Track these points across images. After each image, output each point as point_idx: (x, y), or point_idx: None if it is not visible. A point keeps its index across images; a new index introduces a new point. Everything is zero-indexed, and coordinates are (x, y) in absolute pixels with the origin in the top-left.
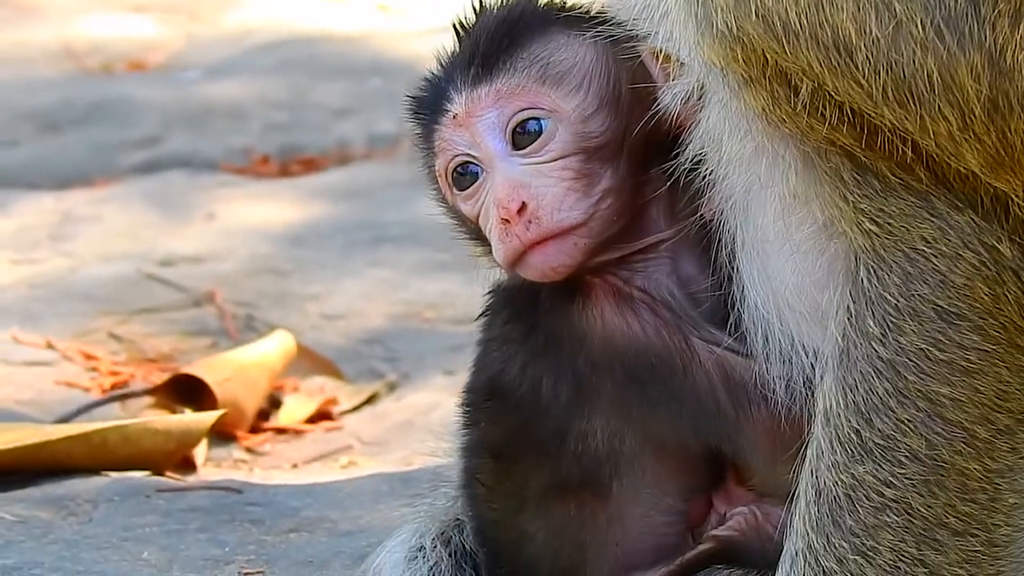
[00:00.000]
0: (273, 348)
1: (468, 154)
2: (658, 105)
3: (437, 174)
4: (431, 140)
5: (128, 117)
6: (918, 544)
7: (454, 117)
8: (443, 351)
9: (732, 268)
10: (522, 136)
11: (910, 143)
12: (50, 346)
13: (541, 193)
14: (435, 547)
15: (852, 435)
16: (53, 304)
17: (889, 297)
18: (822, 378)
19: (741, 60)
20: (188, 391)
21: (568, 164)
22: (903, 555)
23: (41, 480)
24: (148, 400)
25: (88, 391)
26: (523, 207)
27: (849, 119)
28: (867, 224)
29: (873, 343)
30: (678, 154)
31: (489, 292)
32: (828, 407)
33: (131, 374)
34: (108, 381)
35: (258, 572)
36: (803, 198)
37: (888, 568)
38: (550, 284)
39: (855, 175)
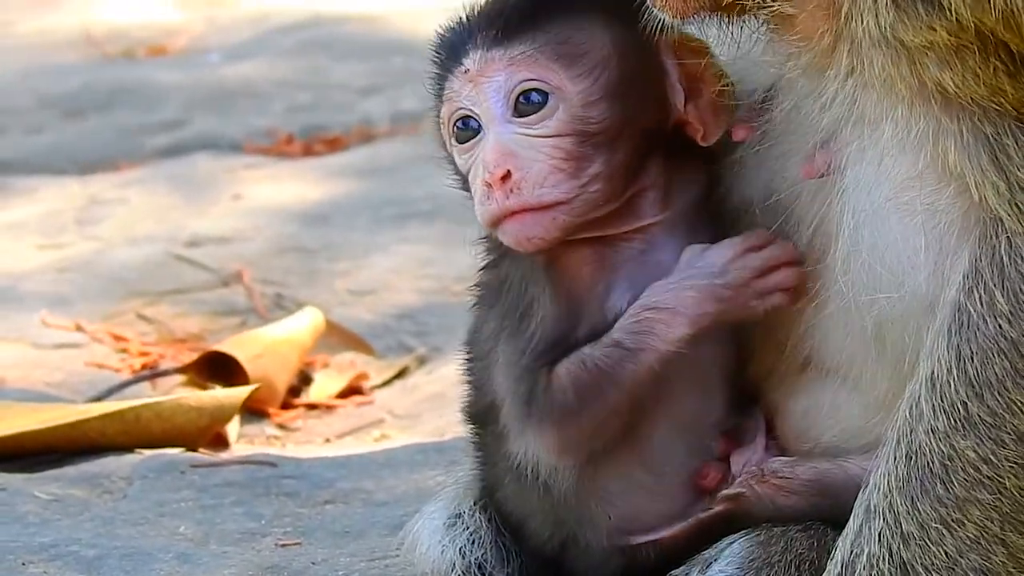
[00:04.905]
0: (303, 325)
1: (471, 110)
2: (665, 100)
3: (441, 120)
4: (442, 86)
5: (151, 101)
6: (1003, 524)
7: (465, 72)
8: None
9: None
10: (524, 105)
11: None
12: (79, 329)
13: (527, 165)
14: (473, 514)
15: (959, 406)
16: (81, 287)
17: None
18: (932, 343)
19: (952, 35)
20: (219, 369)
21: (561, 143)
22: (986, 531)
23: (75, 459)
24: (179, 379)
25: (118, 372)
26: (508, 175)
27: None
28: None
29: (999, 319)
30: (677, 146)
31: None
32: (936, 372)
33: (160, 354)
34: (138, 362)
35: (295, 543)
36: (958, 173)
37: (968, 542)
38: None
39: None
